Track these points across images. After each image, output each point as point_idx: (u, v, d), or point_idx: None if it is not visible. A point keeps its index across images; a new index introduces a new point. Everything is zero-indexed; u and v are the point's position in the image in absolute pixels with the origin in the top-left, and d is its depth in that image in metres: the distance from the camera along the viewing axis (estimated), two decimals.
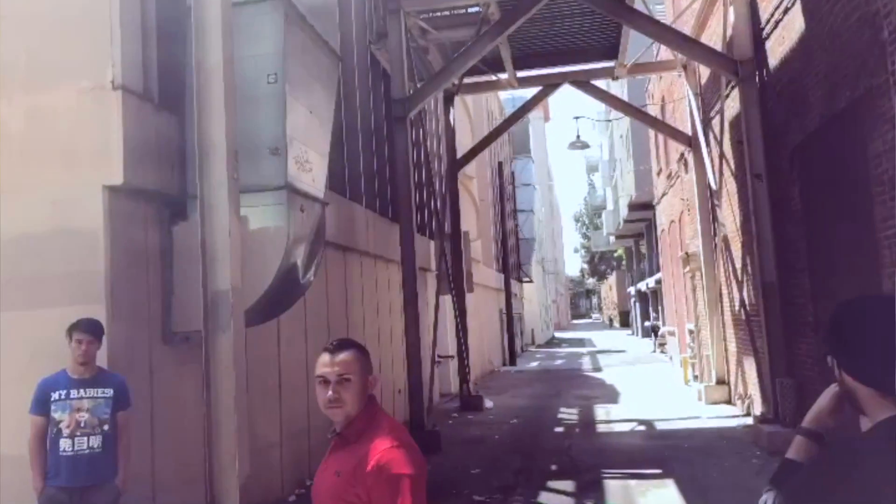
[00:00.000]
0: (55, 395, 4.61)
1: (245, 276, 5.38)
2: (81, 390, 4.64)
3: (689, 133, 15.02)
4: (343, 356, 2.32)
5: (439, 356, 14.84)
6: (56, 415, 4.58)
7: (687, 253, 16.28)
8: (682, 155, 16.30)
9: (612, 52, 15.24)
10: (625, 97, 22.49)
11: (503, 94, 30.69)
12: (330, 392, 2.27)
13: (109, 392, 4.71)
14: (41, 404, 4.63)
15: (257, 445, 6.67)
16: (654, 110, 19.55)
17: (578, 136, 21.04)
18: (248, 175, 5.55)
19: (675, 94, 17.03)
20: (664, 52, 16.27)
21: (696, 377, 16.17)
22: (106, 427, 4.67)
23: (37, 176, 5.22)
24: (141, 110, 5.46)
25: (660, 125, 17.22)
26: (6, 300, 5.17)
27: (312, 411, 8.52)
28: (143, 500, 5.18)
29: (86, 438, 4.59)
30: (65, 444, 4.55)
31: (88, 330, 4.68)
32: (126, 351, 5.25)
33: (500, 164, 27.94)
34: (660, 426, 11.82)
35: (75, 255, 5.13)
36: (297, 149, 5.94)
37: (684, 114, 15.58)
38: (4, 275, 5.19)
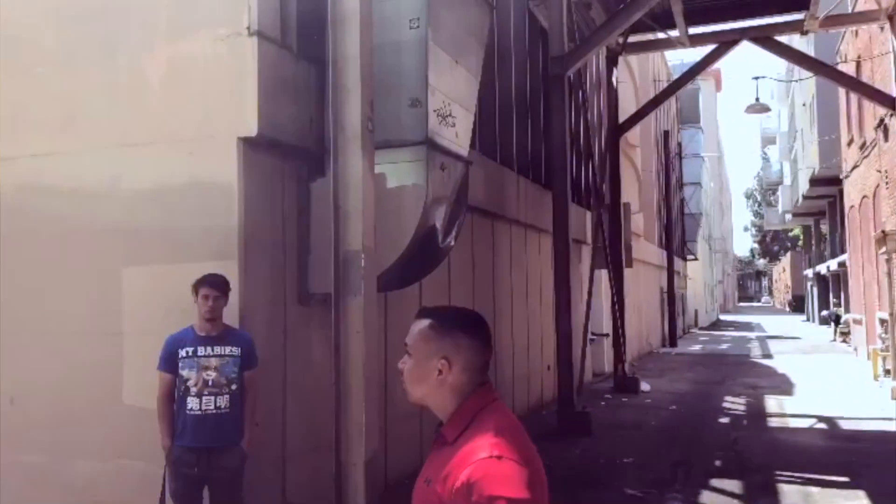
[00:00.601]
0: (182, 353, 4.47)
1: (379, 237, 5.00)
2: (208, 348, 4.47)
3: (894, 94, 13.07)
4: (414, 326, 1.82)
5: (593, 333, 14.05)
6: (184, 372, 4.43)
7: (884, 232, 14.31)
8: (882, 121, 14.28)
9: (800, 1, 13.50)
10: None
11: (672, 61, 28.79)
12: (399, 363, 1.80)
13: (237, 351, 4.51)
14: (169, 361, 4.51)
15: (396, 414, 6.37)
16: (846, 71, 17.33)
17: (757, 99, 19.11)
18: (385, 128, 5.16)
19: (875, 49, 14.92)
20: (863, 3, 14.24)
21: (887, 372, 14.27)
22: (233, 387, 4.47)
23: (175, 127, 5.10)
24: (278, 58, 5.19)
25: (856, 85, 15.18)
26: (141, 254, 5.12)
27: None
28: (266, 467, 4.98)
29: (213, 398, 4.42)
30: (192, 402, 4.40)
31: (213, 284, 4.48)
32: (259, 310, 5.05)
33: (665, 133, 26.27)
34: (844, 425, 10.42)
35: (210, 209, 4.97)
36: (439, 101, 5.47)
37: (887, 73, 13.58)
38: (141, 227, 5.14)
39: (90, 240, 5.29)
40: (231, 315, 4.76)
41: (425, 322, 1.80)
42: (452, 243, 6.03)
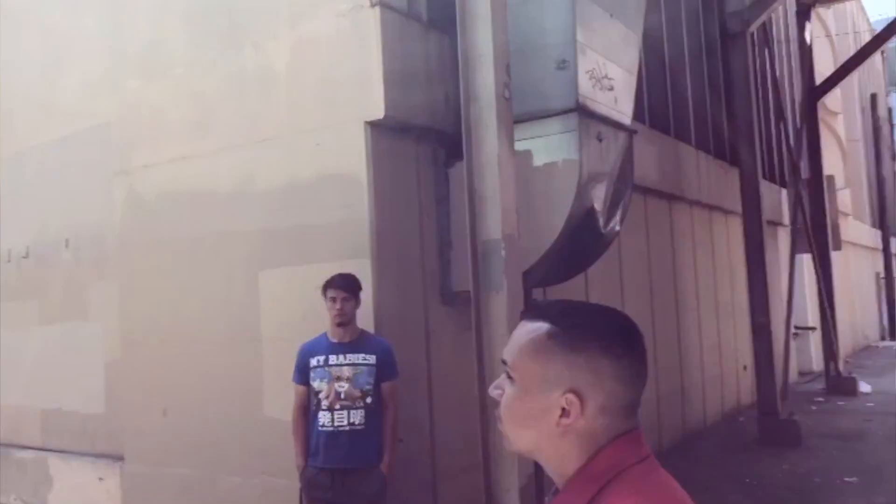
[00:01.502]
0: (314, 362, 4.04)
1: (526, 224, 4.29)
2: (340, 356, 4.00)
3: None
4: (519, 332, 1.13)
5: (796, 327, 12.32)
6: (315, 384, 4.00)
7: None
8: None
9: None
10: None
11: (873, 16, 25.31)
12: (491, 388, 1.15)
13: (372, 359, 4.00)
14: (302, 371, 4.10)
15: None
16: None
17: None
18: (526, 97, 4.43)
19: None
20: None
21: None
22: (369, 400, 3.97)
23: (300, 117, 4.71)
24: (405, 30, 4.64)
25: None
26: (275, 255, 4.78)
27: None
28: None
29: (345, 412, 3.94)
30: (324, 417, 3.95)
31: (342, 286, 4.01)
32: (396, 312, 4.52)
33: (872, 96, 23.08)
34: None
35: (338, 203, 4.52)
36: (591, 61, 4.65)
37: None
38: (274, 227, 4.79)
39: (227, 243, 5.05)
40: (366, 319, 4.27)
41: (540, 328, 1.09)
42: (617, 228, 5.17)
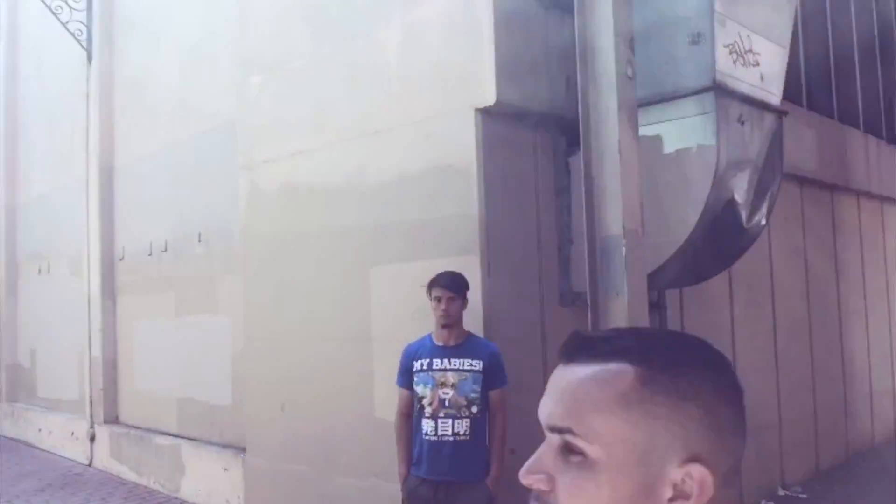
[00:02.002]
0: (417, 365, 3.81)
1: (654, 218, 3.85)
2: (445, 360, 3.74)
3: None
4: (571, 381, 0.81)
5: None
6: (418, 389, 3.76)
7: None
8: None
9: None
10: None
11: None
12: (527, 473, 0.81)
13: (478, 364, 3.71)
14: (405, 375, 3.88)
15: None
16: None
17: None
18: (655, 76, 3.97)
19: None
20: None
21: None
22: (474, 409, 3.69)
23: (410, 107, 4.49)
24: (520, 10, 4.30)
25: None
26: (385, 251, 4.60)
27: (783, 401, 6.48)
28: None
29: (450, 421, 3.68)
30: (427, 425, 3.71)
31: (447, 285, 3.75)
32: (508, 314, 4.21)
33: None
34: None
35: (447, 197, 4.26)
36: (732, 33, 4.09)
37: None
38: (384, 222, 4.62)
39: (340, 238, 4.94)
40: (474, 320, 3.99)
41: (622, 372, 0.76)
42: (763, 222, 4.56)
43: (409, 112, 4.48)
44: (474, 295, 3.93)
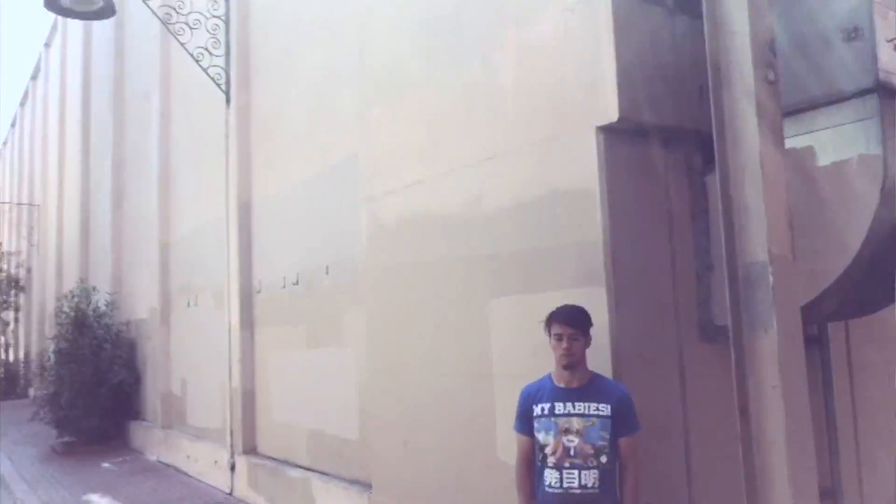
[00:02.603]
0: (537, 409, 3.50)
1: (810, 241, 3.35)
2: (568, 404, 3.42)
3: None
4: None
5: None
6: (539, 435, 3.45)
7: None
8: None
9: None
10: None
11: None
12: None
13: (606, 409, 3.36)
14: (524, 419, 3.58)
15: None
16: None
17: None
18: (803, 79, 3.49)
19: None
20: None
21: None
22: (603, 458, 3.34)
23: (527, 129, 4.23)
24: (643, 18, 3.94)
25: None
26: (504, 282, 4.33)
27: None
28: None
29: (576, 472, 3.34)
30: (550, 476, 3.39)
31: (568, 320, 3.43)
32: (639, 351, 3.80)
33: None
34: None
35: (569, 222, 3.94)
36: (894, 25, 3.52)
37: None
38: (503, 252, 4.36)
39: (458, 269, 4.73)
40: (601, 359, 3.64)
41: None
42: None
43: (526, 134, 4.22)
44: (600, 330, 3.58)
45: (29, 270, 21.79)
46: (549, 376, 3.54)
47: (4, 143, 28.80)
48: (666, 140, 4.05)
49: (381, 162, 5.53)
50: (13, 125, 26.90)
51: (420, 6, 5.19)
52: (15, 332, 22.44)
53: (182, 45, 8.17)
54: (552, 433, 3.41)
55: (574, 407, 3.40)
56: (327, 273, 6.59)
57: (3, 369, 20.82)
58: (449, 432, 4.76)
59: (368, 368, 5.66)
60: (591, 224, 3.80)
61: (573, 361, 3.42)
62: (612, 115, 3.75)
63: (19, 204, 22.50)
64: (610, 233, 3.76)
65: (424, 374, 5.00)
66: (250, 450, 7.86)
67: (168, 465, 9.76)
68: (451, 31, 4.86)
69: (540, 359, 3.79)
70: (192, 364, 9.75)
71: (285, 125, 7.46)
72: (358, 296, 5.98)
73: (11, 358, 21.51)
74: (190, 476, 9.00)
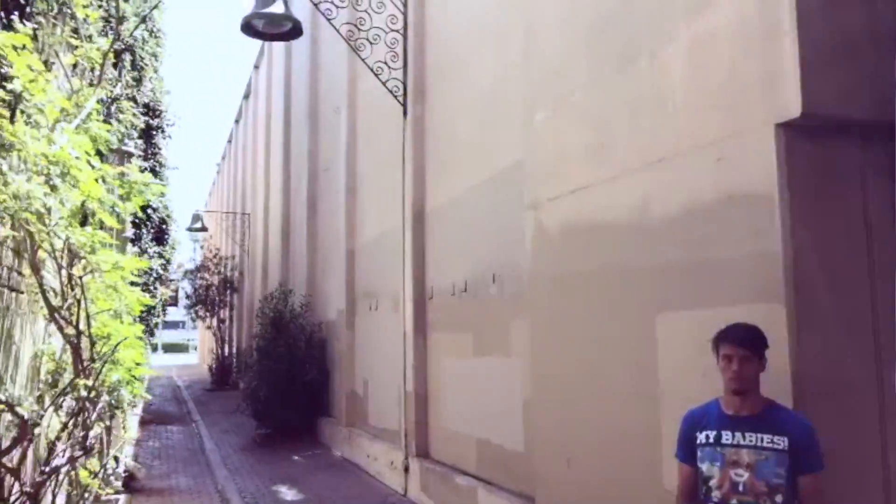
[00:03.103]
0: (701, 437, 3.19)
1: None
2: (737, 434, 3.08)
3: None
4: None
5: None
6: (703, 466, 3.15)
7: None
8: None
9: None
10: None
11: None
12: None
13: (783, 442, 2.99)
14: (686, 447, 3.28)
15: None
16: None
17: None
18: None
19: None
20: None
21: None
22: (778, 498, 2.99)
23: (698, 129, 3.88)
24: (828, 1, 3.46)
25: None
26: (673, 296, 4.00)
27: None
28: None
29: None
30: None
31: (739, 340, 3.11)
32: (826, 378, 3.34)
33: None
34: None
35: (745, 231, 3.55)
36: None
37: None
38: (672, 262, 4.03)
39: (623, 281, 4.46)
40: (779, 386, 3.24)
41: None
42: None
43: (697, 134, 3.87)
44: (777, 353, 3.19)
45: (241, 273, 23.97)
46: (717, 401, 3.21)
47: (223, 158, 31.99)
48: (863, 136, 3.53)
49: (545, 167, 5.38)
50: (229, 141, 29.81)
51: (586, 4, 4.98)
52: (229, 328, 24.77)
53: (362, 59, 8.53)
54: (717, 465, 3.08)
55: (744, 437, 3.05)
56: (494, 281, 6.53)
57: (219, 362, 23.04)
58: (611, 455, 4.49)
59: (532, 380, 5.51)
60: (770, 232, 3.40)
61: (743, 386, 3.07)
62: (794, 110, 3.33)
63: (233, 213, 24.85)
64: (791, 242, 3.35)
65: (587, 390, 4.77)
66: (423, 453, 7.99)
67: (351, 462, 10.21)
68: (617, 27, 4.61)
69: (711, 381, 3.46)
70: (372, 366, 10.14)
71: (456, 133, 7.53)
72: (523, 305, 5.86)
73: (226, 352, 23.73)
74: (370, 475, 9.34)
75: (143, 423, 14.24)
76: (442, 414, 7.69)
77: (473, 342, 6.90)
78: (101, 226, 3.62)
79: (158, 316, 16.55)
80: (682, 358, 3.92)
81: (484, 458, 6.66)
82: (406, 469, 8.19)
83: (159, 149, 13.04)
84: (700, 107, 3.87)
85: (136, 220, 11.26)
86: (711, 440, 3.14)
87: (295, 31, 7.94)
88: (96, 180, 3.20)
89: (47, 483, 3.42)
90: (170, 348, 54.29)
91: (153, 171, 12.75)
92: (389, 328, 9.20)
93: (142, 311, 12.75)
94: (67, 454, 3.52)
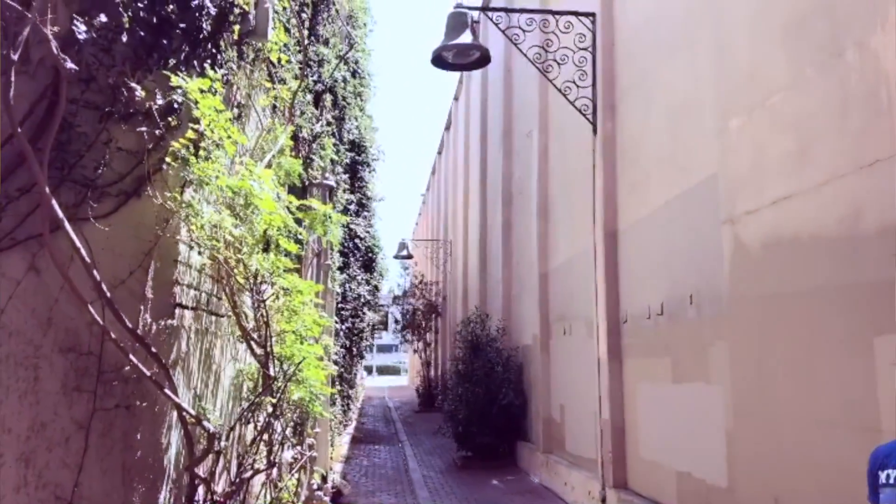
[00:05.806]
0: (882, 477, 2.72)
1: None
2: None
3: None
4: None
5: None
6: None
7: None
8: None
9: None
10: None
11: None
12: None
13: None
14: (872, 489, 2.82)
15: None
16: None
17: None
18: None
19: None
20: None
21: None
22: None
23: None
24: None
25: None
26: (889, 317, 3.47)
27: None
28: None
29: None
30: None
31: None
32: None
33: None
34: None
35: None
36: None
37: None
38: (889, 279, 3.52)
39: (833, 299, 3.98)
40: None
41: None
42: None
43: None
44: None
45: (444, 298, 24.79)
46: None
47: (427, 189, 33.47)
48: None
49: (742, 178, 4.97)
50: (433, 172, 31.13)
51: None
52: (434, 351, 25.66)
53: (550, 80, 8.49)
54: None
55: None
56: (691, 302, 6.12)
57: (425, 384, 23.92)
58: (825, 494, 3.98)
59: (734, 409, 5.07)
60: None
61: None
62: None
63: (436, 240, 25.83)
64: None
65: (799, 423, 4.28)
66: (620, 484, 7.64)
67: (548, 489, 10.04)
68: (818, 18, 4.17)
69: None
70: (568, 391, 9.94)
71: (646, 149, 7.22)
72: (723, 328, 5.43)
73: (431, 374, 24.59)
74: (566, 503, 9.12)
75: (355, 441, 15.08)
76: (639, 443, 7.32)
77: (671, 368, 6.51)
78: (287, 253, 3.89)
79: (367, 339, 17.49)
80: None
81: (684, 491, 6.22)
82: (603, 500, 7.88)
83: (365, 182, 13.88)
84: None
85: (344, 250, 12.02)
86: (892, 481, 2.66)
87: (483, 60, 8.11)
88: (279, 210, 3.44)
89: (237, 495, 3.70)
90: (383, 370, 57.73)
91: (360, 204, 13.60)
92: (583, 353, 8.98)
93: (352, 335, 13.57)
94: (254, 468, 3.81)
